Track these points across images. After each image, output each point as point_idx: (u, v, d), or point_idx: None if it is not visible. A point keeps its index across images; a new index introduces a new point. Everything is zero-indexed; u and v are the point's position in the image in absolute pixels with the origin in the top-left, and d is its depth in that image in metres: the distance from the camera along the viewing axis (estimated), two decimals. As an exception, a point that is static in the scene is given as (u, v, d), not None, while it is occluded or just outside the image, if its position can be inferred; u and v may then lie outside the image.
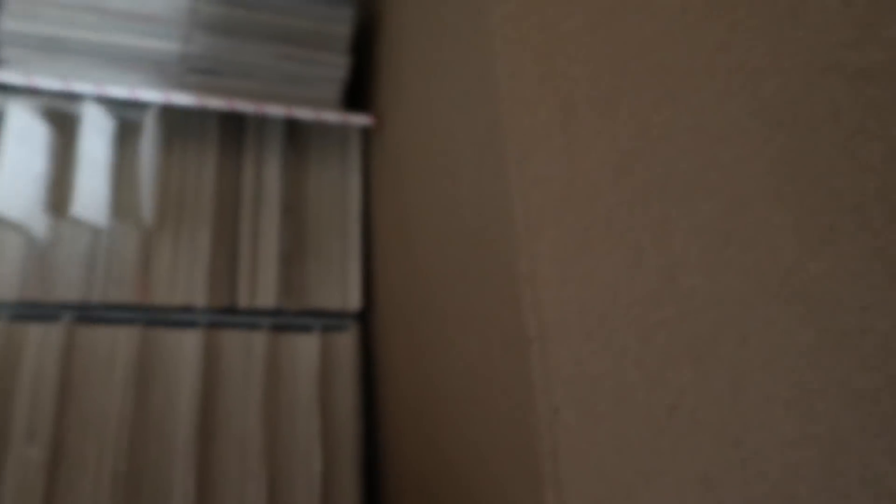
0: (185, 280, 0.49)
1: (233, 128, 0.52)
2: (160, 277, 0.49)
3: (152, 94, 0.47)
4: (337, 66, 0.50)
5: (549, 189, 0.28)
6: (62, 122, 0.48)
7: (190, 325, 0.47)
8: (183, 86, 0.48)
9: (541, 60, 0.29)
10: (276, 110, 0.49)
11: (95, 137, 0.48)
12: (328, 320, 0.50)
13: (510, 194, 0.29)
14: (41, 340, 0.45)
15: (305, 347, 0.48)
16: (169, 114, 0.50)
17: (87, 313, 0.47)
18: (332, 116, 0.50)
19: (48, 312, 0.46)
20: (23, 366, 0.44)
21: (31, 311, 0.46)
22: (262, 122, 0.52)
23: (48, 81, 0.45)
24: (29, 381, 0.44)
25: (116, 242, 0.48)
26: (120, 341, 0.46)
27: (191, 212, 0.50)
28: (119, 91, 0.46)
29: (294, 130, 0.53)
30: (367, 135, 0.54)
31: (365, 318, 0.51)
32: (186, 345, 0.46)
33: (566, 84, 0.28)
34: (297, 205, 0.52)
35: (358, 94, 0.53)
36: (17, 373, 0.44)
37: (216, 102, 0.48)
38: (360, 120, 0.51)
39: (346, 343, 0.49)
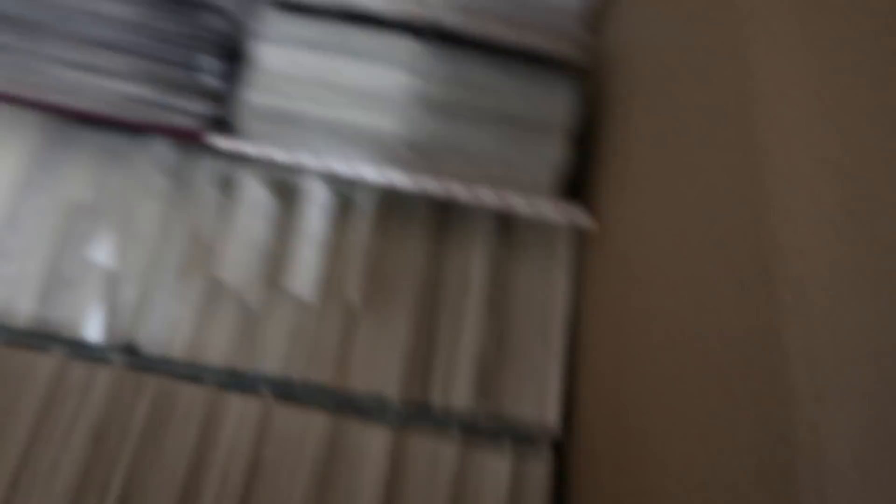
0: (380, 366, 0.47)
1: (441, 209, 0.51)
2: (356, 361, 0.47)
3: (372, 173, 0.47)
4: (556, 154, 0.48)
5: (840, 322, 0.23)
6: (284, 194, 0.50)
7: (380, 415, 0.45)
8: (398, 164, 0.48)
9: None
10: (490, 199, 0.47)
11: (316, 211, 0.48)
12: (521, 437, 0.45)
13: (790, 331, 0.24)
14: (241, 412, 0.45)
15: (494, 471, 0.44)
16: (381, 192, 0.50)
17: (285, 389, 0.46)
18: (548, 210, 0.47)
19: (249, 383, 0.46)
20: (221, 436, 0.44)
21: (235, 380, 0.46)
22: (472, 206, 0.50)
23: (279, 154, 0.47)
24: (224, 453, 0.43)
25: (320, 320, 0.48)
26: (312, 426, 0.45)
27: (392, 295, 0.49)
28: (343, 167, 0.47)
29: (505, 217, 0.51)
30: (583, 234, 0.50)
31: (561, 448, 0.45)
32: (375, 442, 0.44)
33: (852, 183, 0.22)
34: (500, 300, 0.49)
35: (576, 185, 0.50)
36: (215, 443, 0.44)
37: (433, 186, 0.47)
38: (576, 216, 0.48)
39: (539, 474, 0.44)
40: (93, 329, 0.45)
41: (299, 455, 0.43)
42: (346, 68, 0.48)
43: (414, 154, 0.48)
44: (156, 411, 0.45)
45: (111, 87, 0.47)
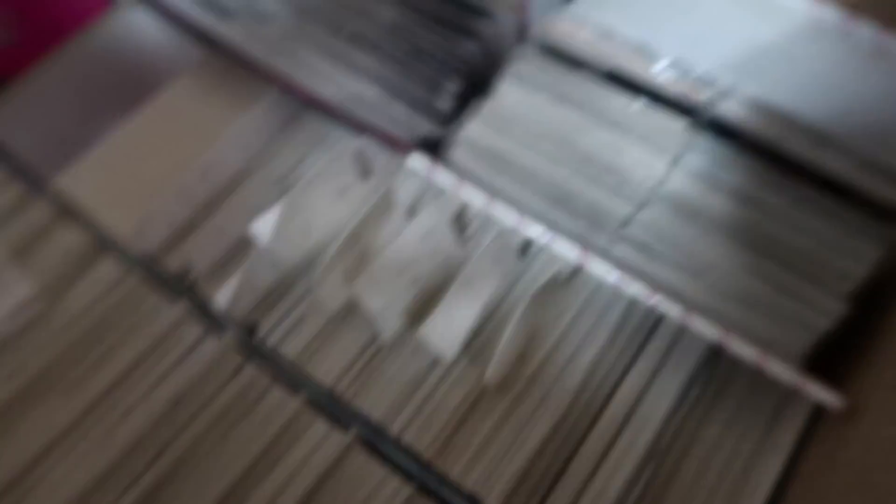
0: (486, 467, 0.38)
1: (642, 317, 0.41)
2: (463, 446, 0.38)
3: (574, 253, 0.40)
4: (826, 314, 0.36)
5: None
6: (460, 230, 0.44)
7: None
8: (611, 250, 0.40)
9: None
10: (744, 352, 0.36)
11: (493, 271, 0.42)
12: None
13: None
14: (321, 438, 0.39)
15: None
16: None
17: (375, 437, 0.38)
18: (802, 382, 0.35)
19: (344, 414, 0.40)
20: (291, 453, 0.39)
21: (331, 404, 0.40)
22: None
23: (475, 195, 0.42)
24: (286, 471, 0.38)
25: (446, 385, 0.40)
26: (384, 487, 0.37)
27: (537, 396, 0.40)
28: (543, 235, 0.40)
29: (720, 358, 0.40)
30: (818, 411, 0.37)
31: None
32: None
33: None
34: (666, 450, 0.37)
35: (823, 356, 0.37)
36: (282, 457, 0.39)
37: (663, 305, 0.38)
38: (825, 396, 0.35)
39: None
40: (223, 298, 0.42)
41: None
42: (593, 134, 0.42)
43: (635, 251, 0.40)
44: (242, 400, 0.40)
45: (353, 82, 0.47)
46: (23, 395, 0.41)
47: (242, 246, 0.45)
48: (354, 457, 0.38)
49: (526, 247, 0.43)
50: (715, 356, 0.39)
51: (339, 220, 0.45)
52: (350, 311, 0.43)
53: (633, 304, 0.41)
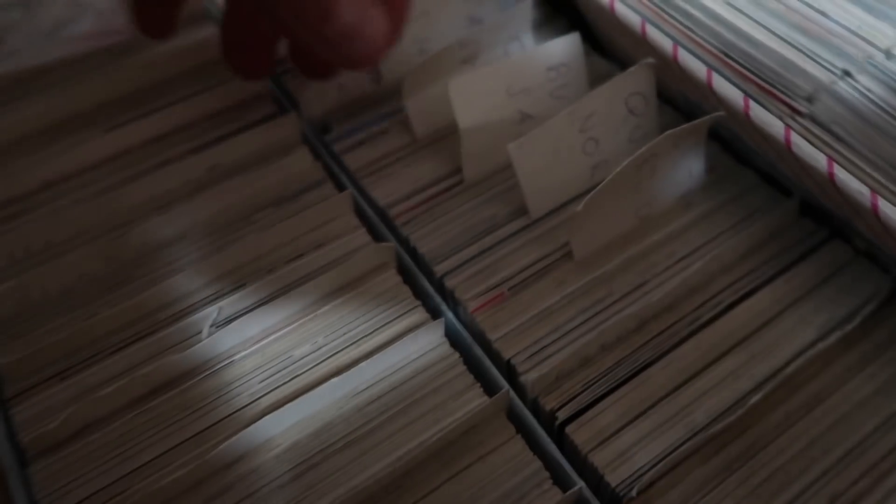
0: (531, 345, 0.28)
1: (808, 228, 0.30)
2: (513, 312, 0.29)
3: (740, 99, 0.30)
4: None
5: None
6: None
7: None
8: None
9: None
10: None
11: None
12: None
13: None
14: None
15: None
16: None
17: (409, 271, 0.30)
18: None
19: (383, 238, 0.32)
20: None
21: None
22: None
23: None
24: None
25: (517, 242, 0.32)
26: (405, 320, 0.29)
27: (630, 281, 0.30)
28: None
29: None
30: None
31: None
32: None
33: None
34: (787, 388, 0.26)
35: None
36: None
37: None
38: None
39: None
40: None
41: None
42: None
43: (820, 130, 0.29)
44: (292, 184, 0.34)
45: None
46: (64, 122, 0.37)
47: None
48: (390, 275, 0.31)
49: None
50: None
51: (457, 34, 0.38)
52: (436, 139, 0.36)
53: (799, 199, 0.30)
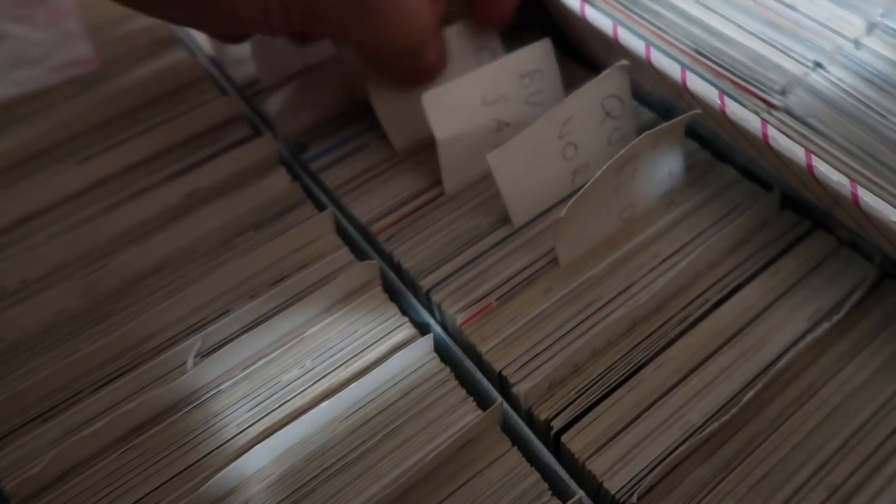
0: (523, 355, 0.28)
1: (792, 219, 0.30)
2: (501, 322, 0.29)
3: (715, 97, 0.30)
4: None
5: None
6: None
7: None
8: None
9: None
10: None
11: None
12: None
13: None
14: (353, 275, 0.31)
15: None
16: None
17: (395, 288, 0.30)
18: None
19: (366, 257, 0.32)
20: None
21: None
22: None
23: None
24: None
25: (502, 251, 0.31)
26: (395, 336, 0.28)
27: (617, 283, 0.29)
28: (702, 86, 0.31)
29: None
30: None
31: None
32: None
33: None
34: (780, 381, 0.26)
35: None
36: None
37: None
38: None
39: None
40: (275, 103, 0.36)
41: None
42: None
43: (795, 122, 0.29)
44: (274, 205, 0.34)
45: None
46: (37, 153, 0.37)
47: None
48: (375, 293, 0.30)
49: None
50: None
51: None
52: (415, 153, 0.36)
53: (781, 193, 0.30)
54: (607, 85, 0.31)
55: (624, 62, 0.31)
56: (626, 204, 0.31)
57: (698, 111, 0.30)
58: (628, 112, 0.33)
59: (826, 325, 0.27)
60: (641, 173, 0.30)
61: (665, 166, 0.31)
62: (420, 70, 0.32)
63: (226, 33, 0.32)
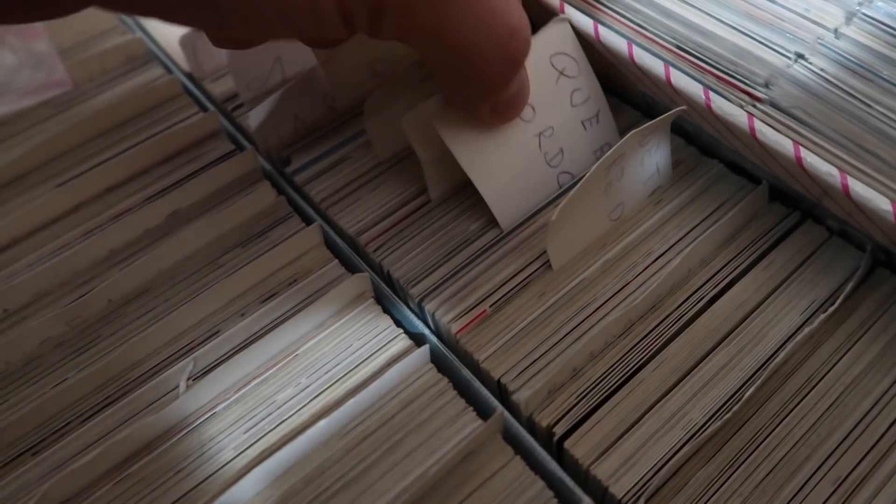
0: (521, 361, 0.28)
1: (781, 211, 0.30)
2: (496, 328, 0.28)
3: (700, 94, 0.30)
4: None
5: None
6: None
7: None
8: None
9: None
10: None
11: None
12: None
13: None
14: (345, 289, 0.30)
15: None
16: None
17: (387, 298, 0.30)
18: None
19: (358, 270, 0.31)
20: None
21: None
22: None
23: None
24: None
25: (492, 257, 0.31)
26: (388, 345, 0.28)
27: (611, 285, 0.29)
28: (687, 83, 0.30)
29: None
30: None
31: None
32: None
33: None
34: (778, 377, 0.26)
35: None
36: None
37: None
38: None
39: None
40: (256, 117, 0.36)
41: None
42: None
43: (780, 115, 0.29)
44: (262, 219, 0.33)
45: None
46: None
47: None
48: (367, 305, 0.30)
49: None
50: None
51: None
52: (399, 160, 0.35)
53: (769, 185, 0.30)
54: (551, 42, 0.31)
55: (562, 16, 0.31)
56: (615, 204, 0.31)
57: (684, 108, 0.30)
58: (583, 69, 0.32)
59: (822, 317, 0.27)
60: (629, 172, 0.30)
61: (653, 164, 0.31)
62: (501, 105, 0.28)
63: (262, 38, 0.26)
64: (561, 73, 0.31)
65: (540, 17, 0.33)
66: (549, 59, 0.31)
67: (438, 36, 0.23)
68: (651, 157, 0.31)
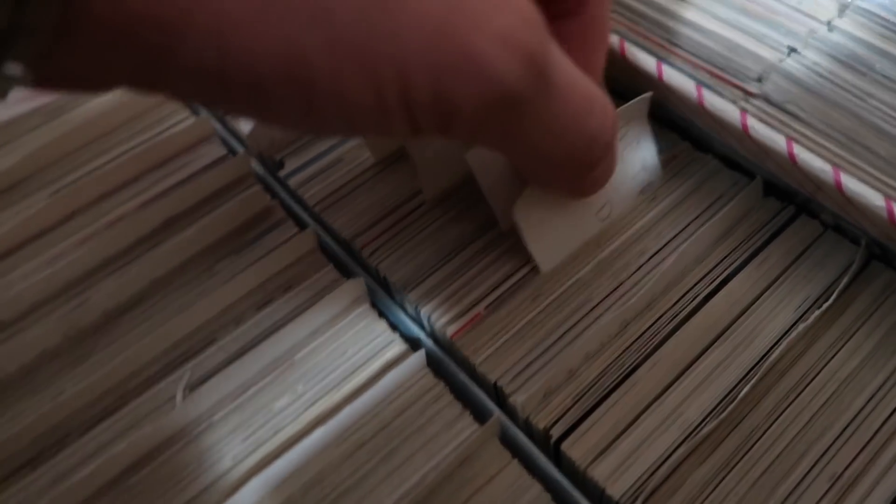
0: (516, 363, 0.28)
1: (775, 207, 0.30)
2: (493, 330, 0.28)
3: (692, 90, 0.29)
4: None
5: None
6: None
7: None
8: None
9: None
10: None
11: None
12: None
13: None
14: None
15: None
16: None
17: (382, 301, 0.30)
18: None
19: (352, 273, 0.31)
20: None
21: None
22: None
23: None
24: None
25: (489, 257, 0.31)
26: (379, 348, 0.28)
27: (605, 285, 0.29)
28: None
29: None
30: None
31: None
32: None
33: None
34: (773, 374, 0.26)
35: None
36: None
37: None
38: None
39: None
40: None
41: None
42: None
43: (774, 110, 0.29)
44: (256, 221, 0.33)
45: None
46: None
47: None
48: (363, 310, 0.30)
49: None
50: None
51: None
52: (392, 161, 0.35)
53: (763, 179, 0.30)
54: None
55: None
56: (601, 203, 0.31)
57: (650, 94, 0.29)
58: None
59: (816, 313, 0.27)
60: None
61: (637, 160, 0.31)
62: (588, 183, 0.26)
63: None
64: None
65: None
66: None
67: (515, 147, 0.22)
68: (633, 152, 0.31)
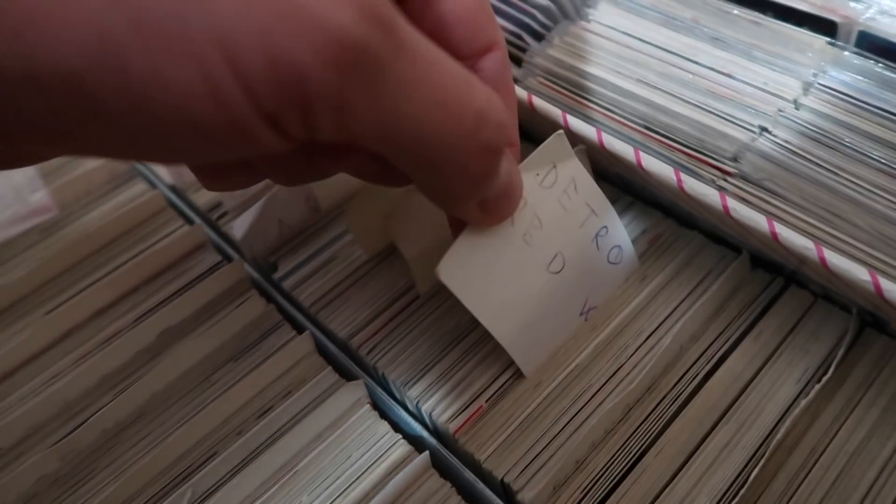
0: (521, 459, 0.28)
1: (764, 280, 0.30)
2: (494, 427, 0.28)
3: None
4: None
5: None
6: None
7: None
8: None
9: None
10: None
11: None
12: None
13: None
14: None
15: None
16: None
17: (383, 401, 0.29)
18: None
19: (352, 375, 0.31)
20: None
21: None
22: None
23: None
24: None
25: (483, 351, 0.31)
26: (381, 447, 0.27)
27: (604, 370, 0.29)
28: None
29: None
30: None
31: None
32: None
33: None
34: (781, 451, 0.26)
35: None
36: None
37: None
38: None
39: None
40: (240, 226, 0.36)
41: None
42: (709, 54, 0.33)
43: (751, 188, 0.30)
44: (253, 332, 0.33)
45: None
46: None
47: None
48: (364, 412, 0.30)
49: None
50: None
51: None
52: (385, 257, 0.36)
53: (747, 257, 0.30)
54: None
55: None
56: (579, 300, 0.30)
57: (561, 131, 0.28)
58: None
59: (817, 387, 0.27)
60: (572, 264, 0.29)
61: (605, 248, 0.31)
62: (490, 199, 0.24)
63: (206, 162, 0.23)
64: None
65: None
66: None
67: (386, 131, 0.19)
68: (604, 241, 0.31)
